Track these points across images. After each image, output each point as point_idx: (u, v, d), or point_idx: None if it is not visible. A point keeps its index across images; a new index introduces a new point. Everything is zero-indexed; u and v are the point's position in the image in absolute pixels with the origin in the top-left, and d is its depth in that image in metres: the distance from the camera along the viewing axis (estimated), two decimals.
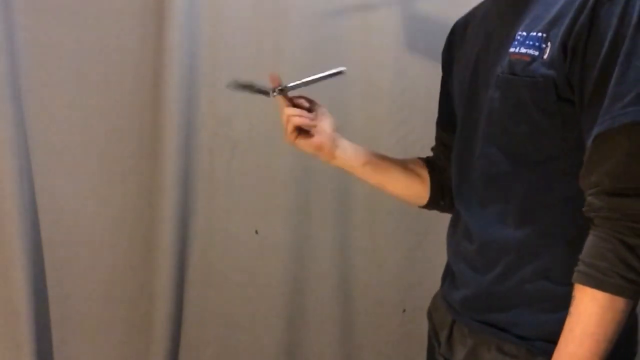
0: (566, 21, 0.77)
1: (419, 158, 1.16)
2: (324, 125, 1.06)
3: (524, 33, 0.82)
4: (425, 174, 1.13)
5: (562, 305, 0.81)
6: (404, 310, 1.59)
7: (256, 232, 1.50)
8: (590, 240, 0.76)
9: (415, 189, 1.13)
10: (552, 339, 0.81)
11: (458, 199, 0.99)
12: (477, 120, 0.91)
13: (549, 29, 0.79)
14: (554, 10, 0.80)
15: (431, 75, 1.46)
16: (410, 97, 1.47)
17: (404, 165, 1.13)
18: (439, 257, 1.54)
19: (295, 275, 1.54)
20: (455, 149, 1.00)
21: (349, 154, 1.09)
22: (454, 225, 1.03)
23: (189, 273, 1.52)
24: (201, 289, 1.53)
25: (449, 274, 1.03)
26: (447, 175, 1.08)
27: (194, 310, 1.53)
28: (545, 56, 0.79)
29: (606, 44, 0.73)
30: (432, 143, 1.50)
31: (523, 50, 0.81)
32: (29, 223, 1.37)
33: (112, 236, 1.46)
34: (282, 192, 1.48)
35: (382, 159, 1.12)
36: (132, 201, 1.45)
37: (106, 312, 1.50)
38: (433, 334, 1.06)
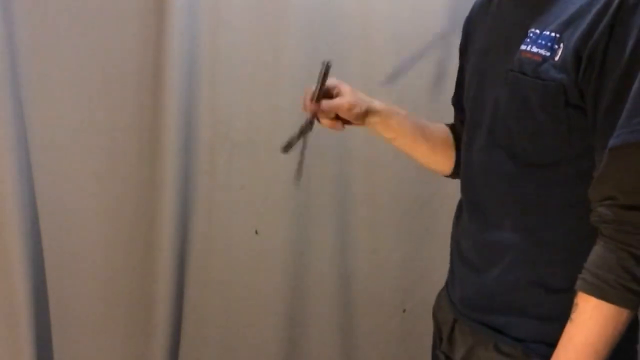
0: (583, 25, 0.74)
1: (446, 124, 1.12)
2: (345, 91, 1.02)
3: (537, 31, 0.80)
4: (451, 140, 1.09)
5: (557, 312, 0.81)
6: (404, 311, 1.59)
7: (256, 232, 1.50)
8: (597, 250, 0.76)
9: (442, 154, 1.09)
10: (547, 342, 0.81)
11: (463, 195, 0.97)
12: (482, 116, 0.89)
13: (563, 29, 0.77)
14: (570, 10, 0.77)
15: (431, 75, 1.47)
16: (410, 96, 1.47)
17: (433, 126, 1.09)
18: (439, 258, 1.54)
19: (295, 275, 1.54)
20: (462, 144, 0.98)
21: (384, 107, 1.04)
22: (457, 219, 1.01)
23: (188, 273, 1.52)
24: (201, 289, 1.53)
25: (452, 272, 1.03)
26: None
27: (194, 310, 1.53)
28: (557, 58, 0.76)
29: (626, 55, 0.71)
30: None
31: (534, 49, 0.79)
32: (29, 223, 1.37)
33: (112, 236, 1.46)
34: (282, 192, 1.48)
35: (416, 117, 1.07)
36: (132, 201, 1.45)
37: (106, 312, 1.50)
38: (437, 331, 1.06)
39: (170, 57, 1.35)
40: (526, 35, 0.81)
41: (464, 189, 0.96)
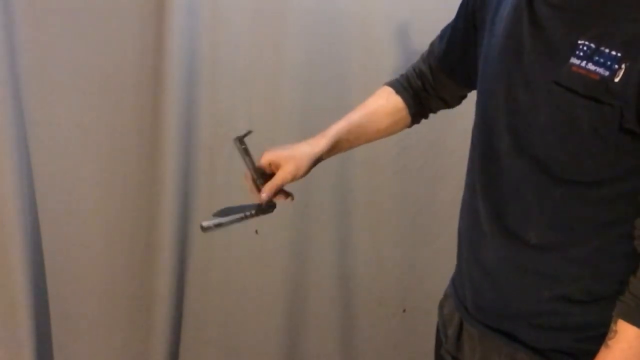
0: None
1: (389, 91, 1.08)
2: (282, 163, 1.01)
3: (592, 45, 0.72)
4: (400, 105, 1.07)
5: (578, 323, 0.79)
6: (404, 310, 1.59)
7: (256, 232, 1.50)
8: None
9: (398, 125, 1.09)
10: (567, 352, 0.80)
11: (485, 200, 0.88)
12: (504, 118, 0.82)
13: (626, 48, 0.69)
14: (629, 27, 0.70)
15: None
16: None
17: (376, 113, 1.07)
18: (439, 258, 1.55)
19: (295, 275, 1.54)
20: (478, 146, 0.89)
21: (326, 141, 1.03)
22: (471, 221, 0.92)
23: (189, 273, 1.52)
24: (201, 289, 1.53)
25: (461, 273, 0.96)
26: (425, 94, 1.06)
27: (194, 310, 1.53)
28: (617, 79, 0.69)
29: None
30: (432, 143, 1.51)
31: (591, 66, 0.71)
32: (29, 223, 1.37)
33: (112, 236, 1.46)
34: None
35: (356, 125, 1.06)
36: (132, 201, 1.45)
37: (106, 312, 1.50)
38: (442, 328, 1.02)
39: (170, 57, 1.35)
40: (575, 47, 0.73)
41: (486, 195, 0.87)
